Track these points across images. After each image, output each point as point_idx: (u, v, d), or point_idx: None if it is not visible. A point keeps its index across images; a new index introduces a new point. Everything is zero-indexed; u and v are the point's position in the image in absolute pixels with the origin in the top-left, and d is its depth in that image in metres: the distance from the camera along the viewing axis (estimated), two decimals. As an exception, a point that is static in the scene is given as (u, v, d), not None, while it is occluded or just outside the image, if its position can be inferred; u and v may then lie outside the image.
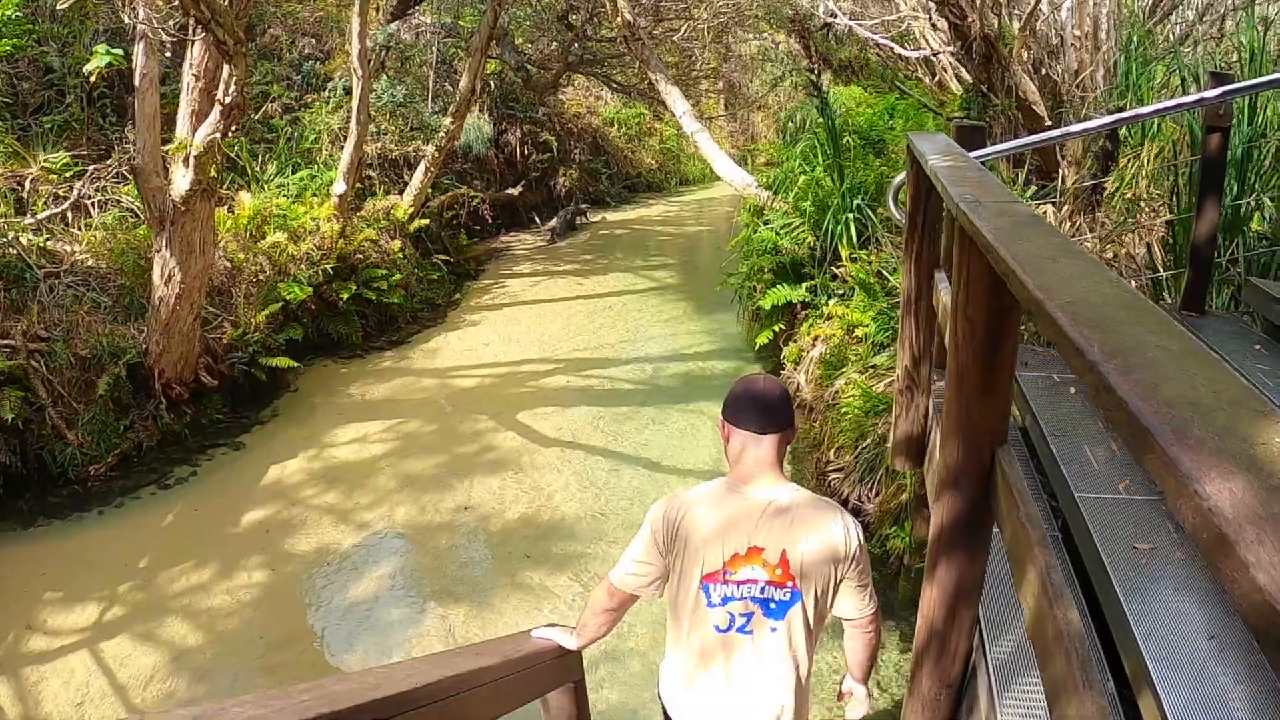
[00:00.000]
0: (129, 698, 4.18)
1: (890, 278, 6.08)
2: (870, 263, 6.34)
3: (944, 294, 3.32)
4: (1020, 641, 2.27)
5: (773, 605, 2.12)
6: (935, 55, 9.22)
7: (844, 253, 6.75)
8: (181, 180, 5.99)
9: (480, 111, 14.72)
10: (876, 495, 4.95)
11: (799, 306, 7.31)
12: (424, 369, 8.57)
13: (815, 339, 6.64)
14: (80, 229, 7.70)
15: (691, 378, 8.14)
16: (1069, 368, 1.09)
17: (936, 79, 11.31)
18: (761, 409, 2.16)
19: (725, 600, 2.12)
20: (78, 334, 6.68)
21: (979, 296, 1.85)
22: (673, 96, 9.72)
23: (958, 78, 9.83)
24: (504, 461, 6.45)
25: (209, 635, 4.61)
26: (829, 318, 6.51)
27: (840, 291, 6.72)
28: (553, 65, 14.62)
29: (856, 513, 5.11)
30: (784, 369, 7.34)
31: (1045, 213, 5.50)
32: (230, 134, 5.65)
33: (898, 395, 3.82)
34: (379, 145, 11.95)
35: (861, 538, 2.19)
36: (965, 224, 1.76)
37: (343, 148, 9.71)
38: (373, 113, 11.74)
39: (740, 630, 2.13)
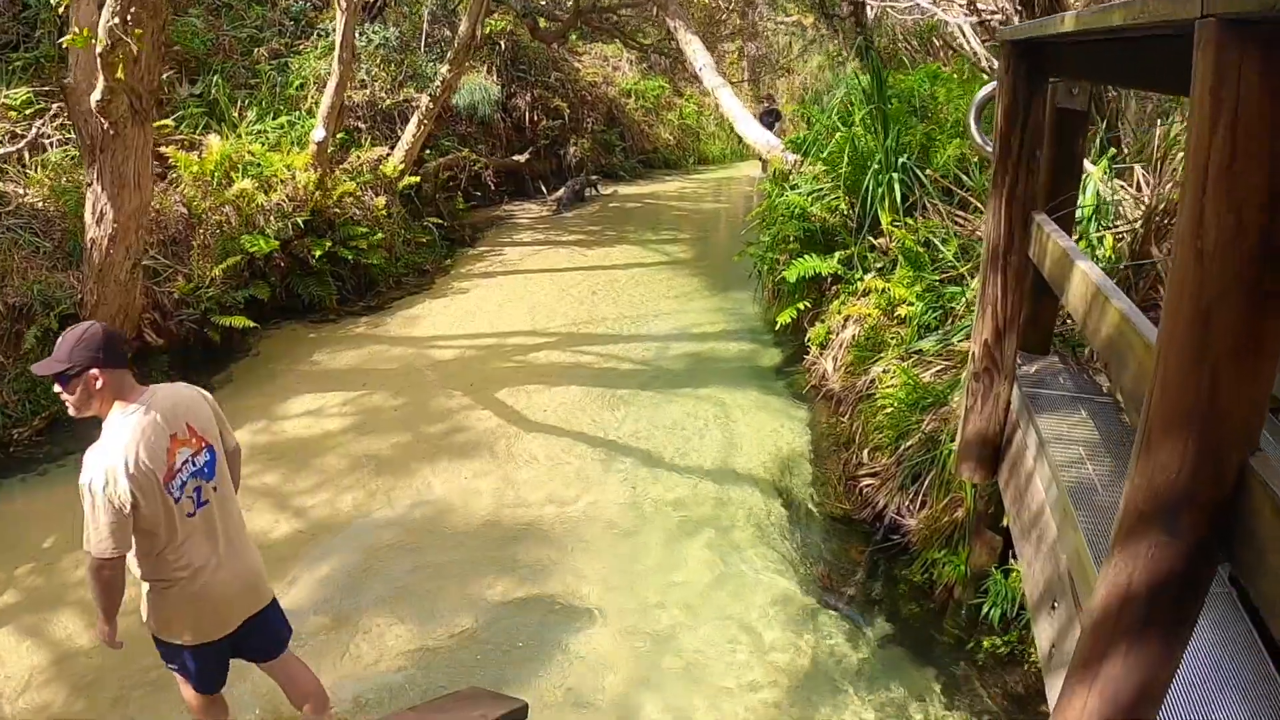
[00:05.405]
0: (-3, 707, 3.44)
1: (942, 249, 5.11)
2: (918, 230, 5.36)
3: (1055, 239, 2.37)
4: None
5: (204, 468, 2.65)
6: (990, 15, 8.20)
7: (885, 219, 5.75)
8: (97, 90, 5.11)
9: (488, 72, 13.82)
10: (922, 508, 3.98)
11: (829, 281, 6.31)
12: (399, 337, 7.67)
13: (847, 319, 5.68)
14: (36, 169, 7.06)
15: (700, 359, 7.17)
16: None
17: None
18: (121, 344, 2.58)
19: (181, 486, 2.57)
20: (10, 280, 6.09)
21: (1257, 158, 0.91)
22: (693, 47, 8.73)
23: (987, 59, 8.96)
24: (474, 445, 5.52)
25: (99, 637, 3.76)
26: (865, 293, 5.53)
27: (879, 264, 5.74)
28: (562, 14, 13.58)
29: (895, 529, 4.15)
30: (807, 353, 6.38)
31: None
32: (129, 20, 4.62)
33: (971, 380, 2.86)
34: (368, 93, 11.04)
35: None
36: None
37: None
38: (364, 57, 10.86)
39: (202, 505, 2.65)
